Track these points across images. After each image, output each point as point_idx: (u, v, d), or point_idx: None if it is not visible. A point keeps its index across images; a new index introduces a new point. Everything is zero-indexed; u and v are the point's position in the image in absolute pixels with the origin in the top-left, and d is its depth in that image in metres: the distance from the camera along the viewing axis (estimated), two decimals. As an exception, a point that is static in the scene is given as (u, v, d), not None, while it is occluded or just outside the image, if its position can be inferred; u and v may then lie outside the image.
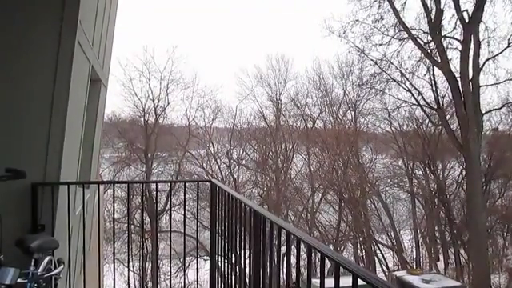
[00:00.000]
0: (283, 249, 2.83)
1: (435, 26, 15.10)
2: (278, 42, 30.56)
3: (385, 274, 18.74)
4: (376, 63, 17.63)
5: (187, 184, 6.39)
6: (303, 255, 2.65)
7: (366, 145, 22.08)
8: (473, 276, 16.05)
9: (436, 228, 20.37)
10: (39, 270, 2.67)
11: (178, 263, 17.19)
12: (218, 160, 21.09)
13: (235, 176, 21.12)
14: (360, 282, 1.67)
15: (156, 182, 14.69)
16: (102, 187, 6.08)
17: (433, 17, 15.12)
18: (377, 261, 20.19)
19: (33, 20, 2.80)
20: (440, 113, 16.87)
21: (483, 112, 15.63)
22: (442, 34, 15.34)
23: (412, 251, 20.78)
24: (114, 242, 6.62)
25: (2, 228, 2.33)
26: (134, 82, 19.60)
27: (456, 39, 15.41)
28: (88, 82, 3.96)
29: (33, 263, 2.64)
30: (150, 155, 20.01)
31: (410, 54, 16.93)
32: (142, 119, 20.31)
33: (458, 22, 15.09)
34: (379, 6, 16.05)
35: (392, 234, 20.61)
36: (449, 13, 15.33)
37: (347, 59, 20.07)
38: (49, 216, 3.14)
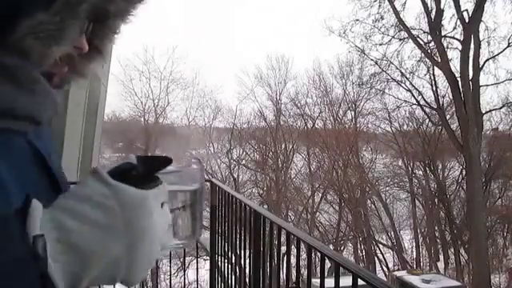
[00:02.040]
0: (283, 249, 2.83)
1: (435, 25, 15.10)
2: (278, 41, 30.60)
3: (385, 273, 18.74)
4: (376, 63, 17.65)
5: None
6: (303, 255, 2.65)
7: (366, 145, 22.08)
8: (473, 276, 16.04)
9: (436, 228, 20.38)
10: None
11: (177, 263, 17.19)
12: (218, 160, 21.10)
13: (235, 176, 21.13)
14: (360, 281, 1.67)
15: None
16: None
17: (433, 17, 15.12)
18: (377, 261, 20.20)
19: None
20: (440, 113, 16.88)
21: (483, 112, 15.64)
22: (442, 34, 15.34)
23: (412, 251, 20.78)
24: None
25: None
26: (133, 81, 19.64)
27: (456, 39, 15.43)
28: (88, 81, 3.96)
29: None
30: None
31: (410, 53, 16.96)
32: (142, 119, 20.34)
33: (458, 22, 15.10)
34: (379, 5, 16.08)
35: (392, 233, 20.62)
36: (449, 13, 15.35)
37: (347, 59, 20.10)
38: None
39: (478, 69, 14.92)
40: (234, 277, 3.48)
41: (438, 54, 15.32)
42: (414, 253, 20.68)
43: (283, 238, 2.68)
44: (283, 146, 21.77)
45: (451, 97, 15.97)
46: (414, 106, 18.48)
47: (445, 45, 15.30)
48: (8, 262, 0.42)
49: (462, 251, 18.46)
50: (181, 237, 0.67)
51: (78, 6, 0.63)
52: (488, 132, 18.75)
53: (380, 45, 16.95)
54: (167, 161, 0.54)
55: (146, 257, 0.49)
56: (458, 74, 14.90)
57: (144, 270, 0.50)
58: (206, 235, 4.08)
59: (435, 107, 17.19)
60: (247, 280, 3.06)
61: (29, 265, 0.43)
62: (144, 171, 0.51)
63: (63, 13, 0.62)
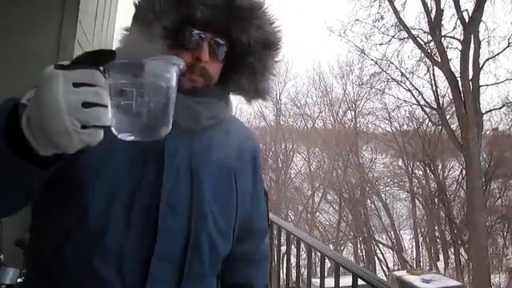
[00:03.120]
0: (283, 249, 2.83)
1: (435, 25, 15.09)
2: (278, 41, 30.49)
3: (385, 273, 18.74)
4: (376, 63, 17.65)
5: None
6: (303, 255, 2.65)
7: (366, 145, 22.08)
8: (473, 276, 16.04)
9: (436, 228, 20.37)
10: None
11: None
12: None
13: (235, 176, 21.10)
14: (360, 281, 1.68)
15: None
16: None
17: (433, 17, 15.11)
18: (377, 261, 20.19)
19: (33, 21, 2.80)
20: (440, 113, 16.87)
21: (483, 112, 15.63)
22: (442, 34, 15.33)
23: (412, 251, 20.77)
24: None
25: (1, 228, 2.33)
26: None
27: (456, 39, 15.42)
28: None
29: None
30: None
31: (410, 53, 16.98)
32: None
33: (458, 22, 15.09)
34: (379, 5, 16.08)
35: (392, 233, 20.61)
36: (449, 13, 15.37)
37: (347, 59, 20.19)
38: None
39: (478, 69, 14.91)
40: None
41: (437, 54, 15.31)
42: (414, 253, 20.67)
43: (283, 238, 2.68)
44: (283, 146, 21.77)
45: (451, 97, 15.96)
46: (414, 106, 18.49)
47: (445, 45, 15.30)
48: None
49: (462, 251, 18.46)
50: (131, 128, 0.67)
51: (149, 22, 0.85)
52: (488, 132, 18.75)
53: (380, 45, 16.96)
54: (110, 54, 0.63)
55: (47, 119, 0.59)
56: (457, 74, 14.89)
57: (50, 127, 0.60)
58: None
59: (435, 107, 17.18)
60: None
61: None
62: (84, 61, 0.62)
63: (133, 26, 0.88)
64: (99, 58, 0.63)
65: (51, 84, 0.59)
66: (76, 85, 0.60)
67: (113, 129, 0.66)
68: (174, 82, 0.69)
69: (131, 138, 0.67)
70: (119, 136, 0.67)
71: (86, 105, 0.60)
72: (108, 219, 0.82)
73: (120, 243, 0.83)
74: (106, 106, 0.62)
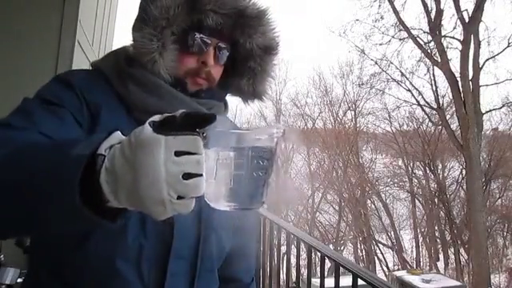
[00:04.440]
0: (283, 249, 2.83)
1: (435, 25, 15.10)
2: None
3: (385, 273, 18.74)
4: (376, 63, 17.66)
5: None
6: (303, 255, 2.65)
7: (366, 145, 22.08)
8: (473, 276, 16.04)
9: (436, 228, 20.38)
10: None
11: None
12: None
13: (235, 176, 21.08)
14: (360, 281, 1.67)
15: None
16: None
17: (433, 17, 15.12)
18: (377, 261, 20.20)
19: (33, 20, 2.80)
20: (440, 113, 16.88)
21: (483, 112, 15.63)
22: (442, 34, 15.34)
23: (412, 251, 20.78)
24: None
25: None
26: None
27: (456, 39, 15.42)
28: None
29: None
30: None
31: (410, 53, 17.02)
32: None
33: (458, 22, 15.10)
34: (379, 5, 16.09)
35: (392, 233, 20.62)
36: (449, 13, 15.39)
37: (347, 59, 20.21)
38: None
39: (478, 69, 14.91)
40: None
41: (437, 54, 15.31)
42: (414, 253, 20.68)
43: (283, 238, 2.68)
44: (283, 146, 21.75)
45: (451, 97, 15.97)
46: (414, 106, 18.51)
47: (445, 45, 15.30)
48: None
49: (462, 251, 18.46)
50: (231, 198, 0.62)
51: (153, 25, 0.88)
52: (488, 132, 18.76)
53: (380, 45, 16.98)
54: (212, 118, 0.58)
55: (144, 187, 0.55)
56: (457, 74, 14.89)
57: (145, 195, 0.55)
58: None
59: (435, 107, 17.19)
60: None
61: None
62: (182, 123, 0.57)
63: (143, 31, 0.88)
64: (199, 122, 0.58)
65: (152, 150, 0.54)
66: (177, 153, 0.55)
67: (206, 198, 0.61)
68: (276, 155, 0.65)
69: (223, 208, 0.63)
70: (212, 205, 0.62)
71: (185, 175, 0.56)
72: (127, 217, 0.82)
73: (140, 241, 0.85)
74: (203, 175, 0.57)
